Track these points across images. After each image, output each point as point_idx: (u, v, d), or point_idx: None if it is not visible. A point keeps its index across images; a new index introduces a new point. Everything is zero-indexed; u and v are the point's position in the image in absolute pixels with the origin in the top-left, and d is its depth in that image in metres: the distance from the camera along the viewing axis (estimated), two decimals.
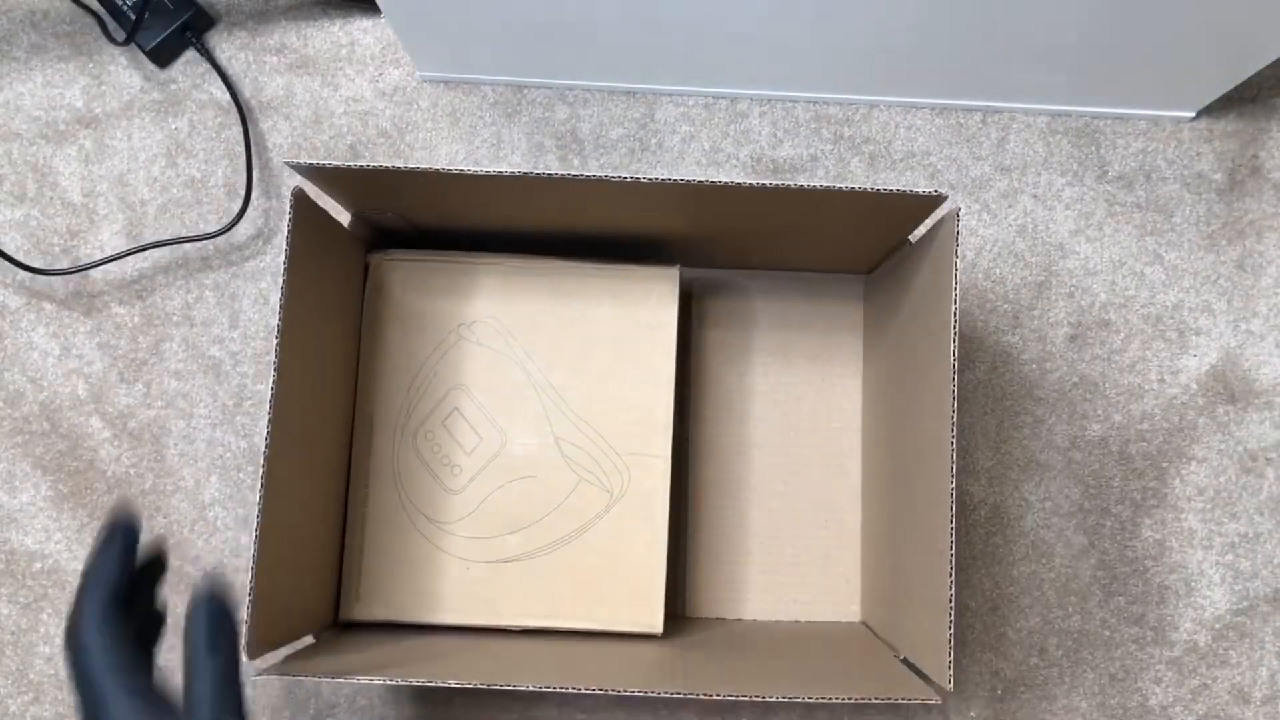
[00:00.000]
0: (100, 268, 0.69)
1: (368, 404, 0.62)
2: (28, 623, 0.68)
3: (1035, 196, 0.70)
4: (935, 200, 0.50)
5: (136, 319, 0.70)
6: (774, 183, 0.49)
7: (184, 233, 0.70)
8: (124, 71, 0.72)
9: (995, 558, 0.68)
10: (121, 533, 0.43)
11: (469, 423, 0.62)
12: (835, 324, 0.68)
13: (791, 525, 0.66)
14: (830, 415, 0.67)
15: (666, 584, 0.61)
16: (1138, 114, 0.71)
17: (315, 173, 0.53)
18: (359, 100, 0.72)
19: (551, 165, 0.71)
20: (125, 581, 0.42)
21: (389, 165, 0.61)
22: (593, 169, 0.71)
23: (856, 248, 0.63)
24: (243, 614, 0.47)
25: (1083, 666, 0.67)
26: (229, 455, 0.68)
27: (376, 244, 0.64)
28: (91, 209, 0.70)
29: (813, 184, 0.49)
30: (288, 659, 0.52)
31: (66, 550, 0.68)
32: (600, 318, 0.62)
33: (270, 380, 0.49)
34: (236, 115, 0.71)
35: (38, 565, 0.68)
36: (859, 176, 0.71)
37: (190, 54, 0.72)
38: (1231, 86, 0.66)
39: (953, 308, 0.49)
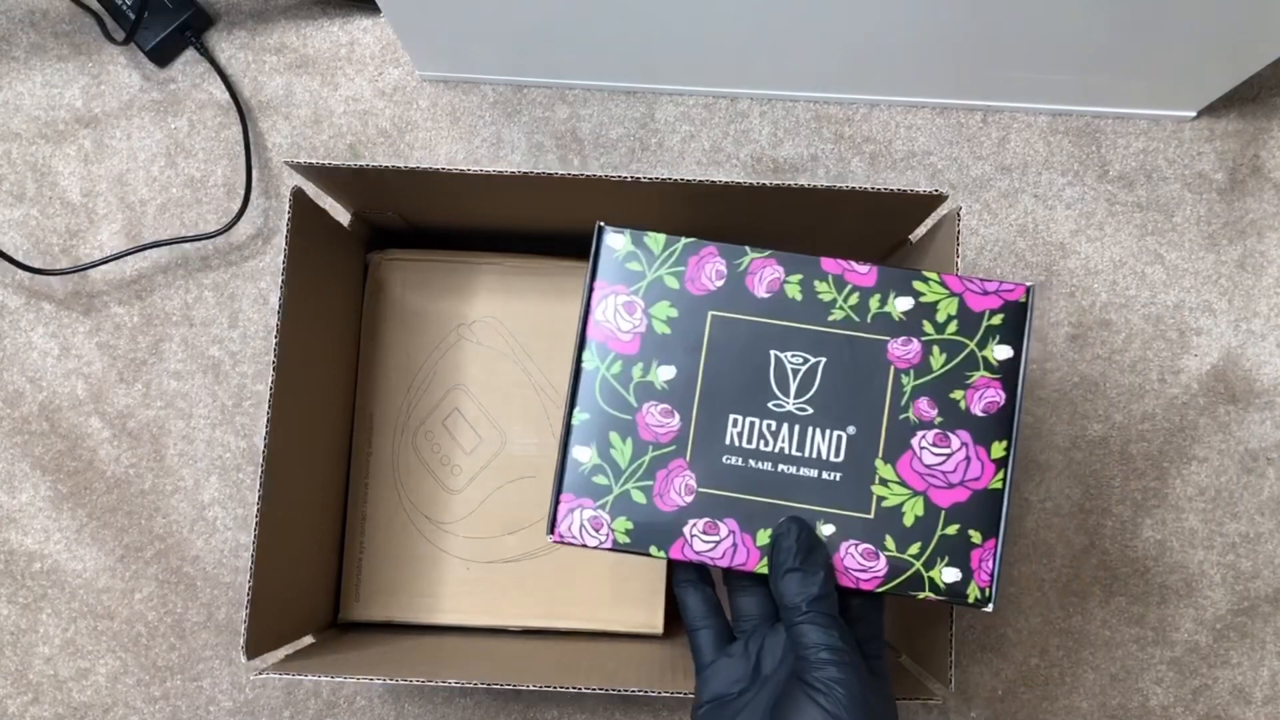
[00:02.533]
0: (100, 268, 0.69)
1: (368, 404, 0.62)
2: (27, 623, 0.68)
3: (1036, 196, 0.70)
4: (936, 200, 0.50)
5: (136, 319, 0.69)
6: (774, 182, 0.49)
7: (183, 233, 0.70)
8: (123, 71, 0.72)
9: None
10: None
11: (469, 423, 0.62)
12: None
13: None
14: None
15: (667, 584, 0.61)
16: (1138, 114, 0.70)
17: (315, 172, 0.53)
18: (359, 100, 0.71)
19: (551, 165, 0.71)
20: None
21: (389, 165, 0.61)
22: (593, 169, 0.71)
23: (857, 247, 0.62)
24: (243, 614, 0.47)
25: (1083, 667, 0.67)
26: (229, 455, 0.68)
27: (376, 244, 0.64)
28: (91, 209, 0.70)
29: (813, 184, 0.49)
30: (288, 659, 0.52)
31: (66, 550, 0.68)
32: None
33: (270, 380, 0.49)
34: (236, 115, 0.71)
35: (37, 565, 0.68)
36: (859, 176, 0.71)
37: (190, 54, 0.72)
38: (1232, 86, 0.66)
39: None
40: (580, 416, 0.43)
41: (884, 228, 0.57)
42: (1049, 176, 0.70)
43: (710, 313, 0.43)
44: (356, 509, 0.62)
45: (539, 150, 0.71)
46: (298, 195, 0.51)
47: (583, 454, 0.43)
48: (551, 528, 0.43)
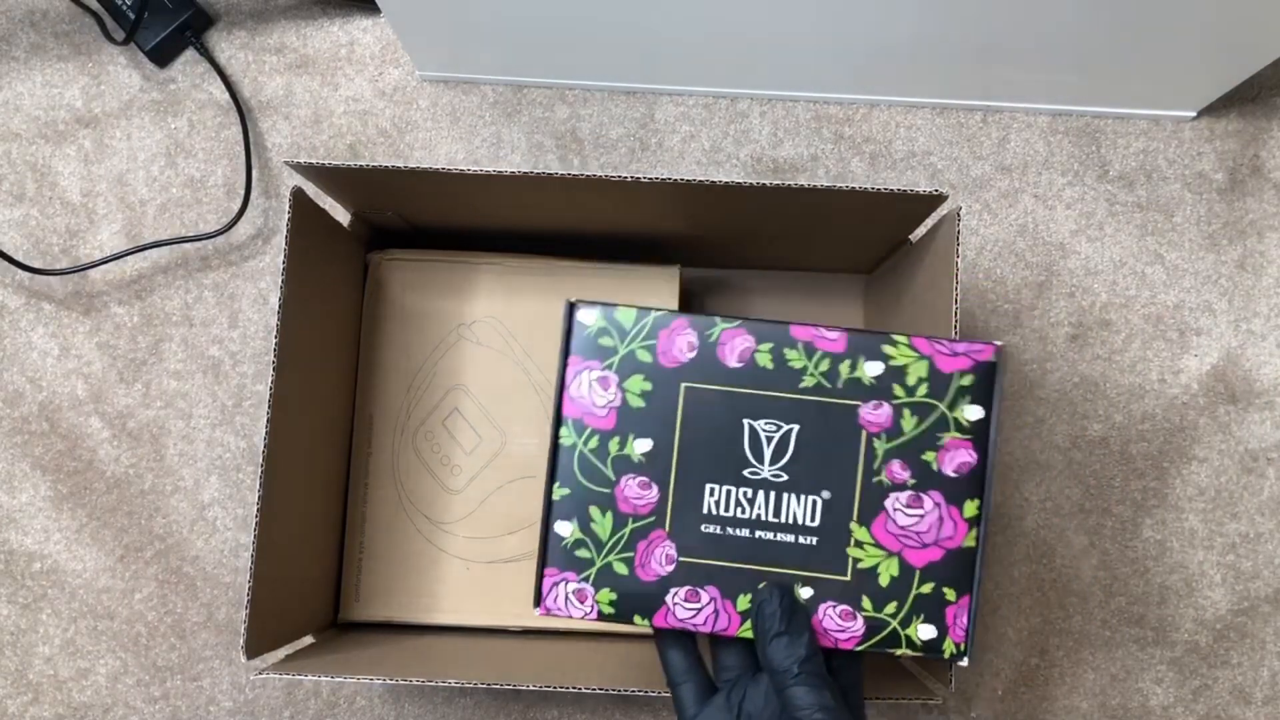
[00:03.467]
0: (99, 268, 0.69)
1: (368, 404, 0.62)
2: (27, 623, 0.68)
3: (1036, 196, 0.70)
4: (936, 200, 0.50)
5: (136, 319, 0.69)
6: (774, 183, 0.49)
7: (183, 233, 0.70)
8: (123, 71, 0.72)
9: (996, 558, 0.68)
10: None
11: (469, 423, 0.62)
12: (836, 324, 0.68)
13: None
14: None
15: None
16: (1138, 114, 0.70)
17: (315, 172, 0.53)
18: (359, 100, 0.71)
19: (551, 165, 0.71)
20: None
21: (389, 165, 0.61)
22: (593, 169, 0.71)
23: (857, 247, 0.63)
24: (243, 614, 0.47)
25: (1083, 667, 0.67)
26: (228, 455, 0.68)
27: (376, 244, 0.64)
28: (91, 209, 0.70)
29: (813, 184, 0.49)
30: (288, 659, 0.52)
31: (66, 550, 0.68)
32: None
33: (270, 380, 0.49)
34: (236, 115, 0.71)
35: (37, 565, 0.68)
36: (859, 176, 0.71)
37: (190, 54, 0.72)
38: (1232, 86, 0.66)
39: (953, 308, 0.49)
40: (560, 492, 0.44)
41: (884, 228, 0.57)
42: (1049, 176, 0.70)
43: (683, 384, 0.44)
44: (356, 509, 0.62)
45: (539, 150, 0.71)
46: (298, 195, 0.51)
47: (564, 529, 0.44)
48: (538, 601, 0.44)
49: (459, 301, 0.62)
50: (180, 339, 0.69)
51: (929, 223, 0.54)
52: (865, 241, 0.61)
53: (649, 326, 0.44)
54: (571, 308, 0.45)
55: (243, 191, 0.70)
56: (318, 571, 0.58)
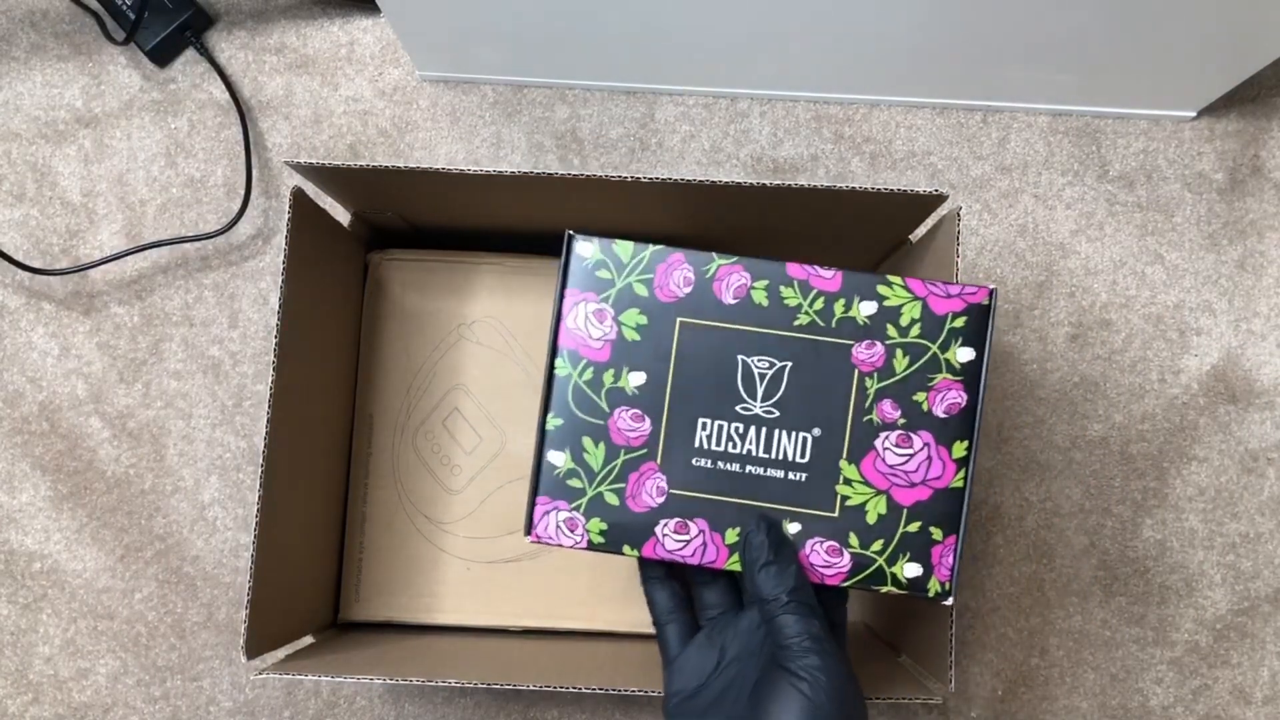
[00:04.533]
0: (100, 268, 0.69)
1: (368, 404, 0.62)
2: (27, 623, 0.68)
3: (1036, 196, 0.70)
4: (936, 200, 0.50)
5: (136, 319, 0.69)
6: (774, 182, 0.49)
7: (183, 232, 0.70)
8: (123, 71, 0.72)
9: (995, 558, 0.68)
10: None
11: (469, 423, 0.62)
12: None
13: None
14: None
15: None
16: (1139, 114, 0.70)
17: (315, 172, 0.53)
18: (359, 100, 0.71)
19: (551, 165, 0.71)
20: None
21: (389, 165, 0.62)
22: (593, 169, 0.71)
23: (857, 247, 0.63)
24: (243, 614, 0.47)
25: (1083, 667, 0.67)
26: (229, 455, 0.68)
27: (376, 244, 0.64)
28: (91, 209, 0.70)
29: (813, 184, 0.49)
30: (288, 659, 0.52)
31: (66, 550, 0.68)
32: None
33: (270, 380, 0.49)
34: (236, 115, 0.70)
35: (37, 565, 0.68)
36: (859, 176, 0.71)
37: (190, 53, 0.72)
38: (1232, 86, 0.66)
39: None
40: (554, 422, 0.45)
41: (884, 228, 0.57)
42: (1049, 176, 0.70)
43: (679, 319, 0.44)
44: (356, 509, 0.62)
45: (539, 150, 0.71)
46: (298, 195, 0.51)
47: (557, 458, 0.44)
48: (529, 529, 0.45)
49: (459, 301, 0.62)
50: (180, 339, 0.69)
51: (929, 223, 0.54)
52: (865, 241, 0.61)
53: (646, 260, 0.45)
54: (570, 239, 0.45)
55: (243, 191, 0.70)
56: (318, 571, 0.58)
